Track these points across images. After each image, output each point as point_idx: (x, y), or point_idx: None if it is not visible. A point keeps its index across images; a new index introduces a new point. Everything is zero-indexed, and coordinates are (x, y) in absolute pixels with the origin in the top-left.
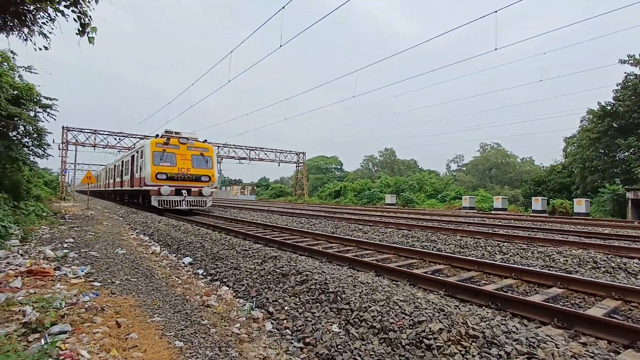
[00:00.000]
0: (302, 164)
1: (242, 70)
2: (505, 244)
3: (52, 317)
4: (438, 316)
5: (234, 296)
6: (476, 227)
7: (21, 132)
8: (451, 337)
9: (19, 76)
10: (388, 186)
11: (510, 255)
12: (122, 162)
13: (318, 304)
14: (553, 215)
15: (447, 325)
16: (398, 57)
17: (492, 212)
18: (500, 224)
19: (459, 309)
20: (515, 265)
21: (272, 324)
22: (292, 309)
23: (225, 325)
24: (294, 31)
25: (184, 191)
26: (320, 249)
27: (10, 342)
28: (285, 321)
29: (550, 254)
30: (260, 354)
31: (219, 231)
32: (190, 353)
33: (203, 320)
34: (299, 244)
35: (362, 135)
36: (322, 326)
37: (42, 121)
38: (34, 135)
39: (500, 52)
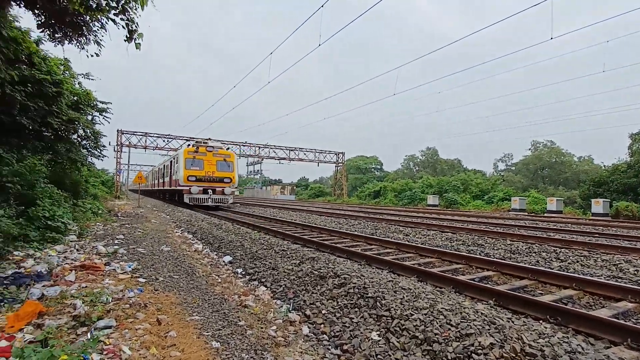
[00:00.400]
0: (341, 164)
1: (282, 70)
2: (562, 249)
3: (99, 312)
4: (488, 329)
5: (271, 297)
6: (528, 231)
7: (80, 135)
8: (504, 354)
9: (78, 83)
10: (430, 186)
11: (570, 263)
12: (164, 165)
13: (356, 309)
14: (617, 219)
15: (499, 340)
16: (443, 53)
17: (545, 214)
18: (555, 227)
19: (512, 322)
20: (576, 275)
21: (309, 327)
22: (330, 313)
23: (262, 327)
24: (334, 31)
25: (209, 190)
26: (359, 251)
27: (61, 334)
28: (322, 326)
29: (617, 262)
30: None
31: (258, 231)
32: (226, 355)
33: (240, 321)
34: (337, 245)
35: (403, 134)
36: (361, 333)
37: (99, 124)
38: (91, 138)
39: (555, 42)
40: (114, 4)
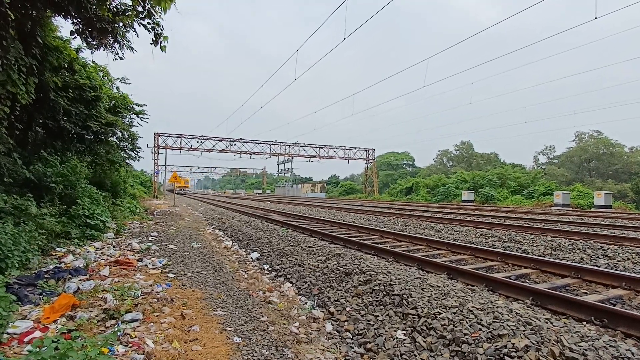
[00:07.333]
0: (371, 161)
1: (309, 67)
2: (611, 246)
3: (128, 305)
4: (523, 330)
5: (296, 293)
6: (572, 227)
7: (118, 138)
8: (541, 357)
9: (116, 88)
10: (465, 182)
11: (619, 261)
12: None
13: (382, 307)
14: None
15: (535, 342)
16: (476, 41)
17: (592, 209)
18: (603, 222)
19: (551, 323)
20: (627, 273)
21: (332, 325)
22: (354, 311)
23: (284, 324)
24: (363, 29)
25: (182, 189)
26: (387, 247)
27: (90, 326)
28: (346, 323)
29: None
30: (317, 357)
31: (286, 228)
32: (246, 350)
33: (263, 316)
34: (365, 241)
35: (436, 128)
36: (386, 332)
37: (136, 126)
38: (129, 140)
39: (601, 22)
40: (140, 9)
